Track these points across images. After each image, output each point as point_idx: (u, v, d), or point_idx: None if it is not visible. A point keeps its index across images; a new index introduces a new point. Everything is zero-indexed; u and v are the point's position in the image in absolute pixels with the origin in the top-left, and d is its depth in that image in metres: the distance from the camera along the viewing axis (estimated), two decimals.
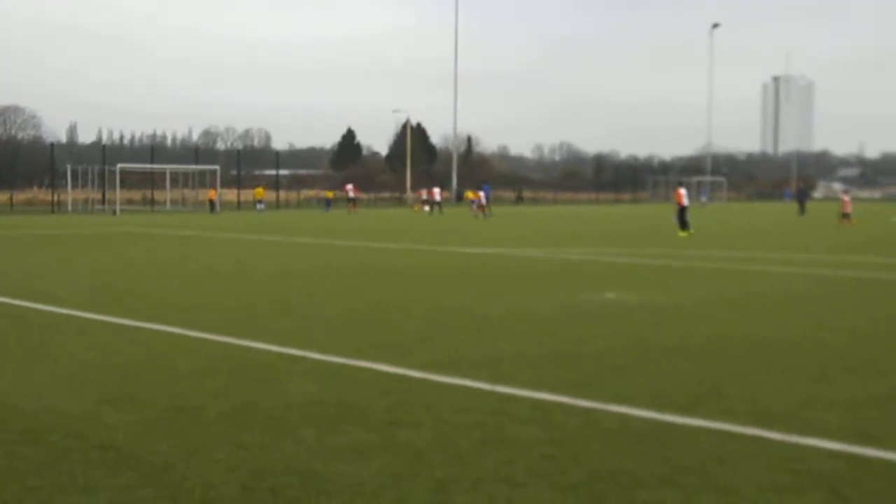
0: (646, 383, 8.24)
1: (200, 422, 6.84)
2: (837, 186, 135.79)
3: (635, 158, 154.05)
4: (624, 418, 6.98)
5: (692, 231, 33.74)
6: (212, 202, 64.23)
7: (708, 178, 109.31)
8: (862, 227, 40.84)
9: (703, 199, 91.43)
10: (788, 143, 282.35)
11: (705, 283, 17.15)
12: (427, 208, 62.25)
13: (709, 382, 8.28)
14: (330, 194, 70.70)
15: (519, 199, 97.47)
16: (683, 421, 6.90)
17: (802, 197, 62.56)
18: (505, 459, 5.95)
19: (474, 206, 56.09)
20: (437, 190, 63.66)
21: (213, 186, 66.38)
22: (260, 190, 66.43)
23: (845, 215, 42.79)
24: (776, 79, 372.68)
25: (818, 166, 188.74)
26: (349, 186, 68.48)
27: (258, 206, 64.39)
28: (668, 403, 7.42)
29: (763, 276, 18.82)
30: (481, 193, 54.92)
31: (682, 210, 34.14)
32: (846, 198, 44.31)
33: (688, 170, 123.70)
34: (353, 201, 65.80)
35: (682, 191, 34.85)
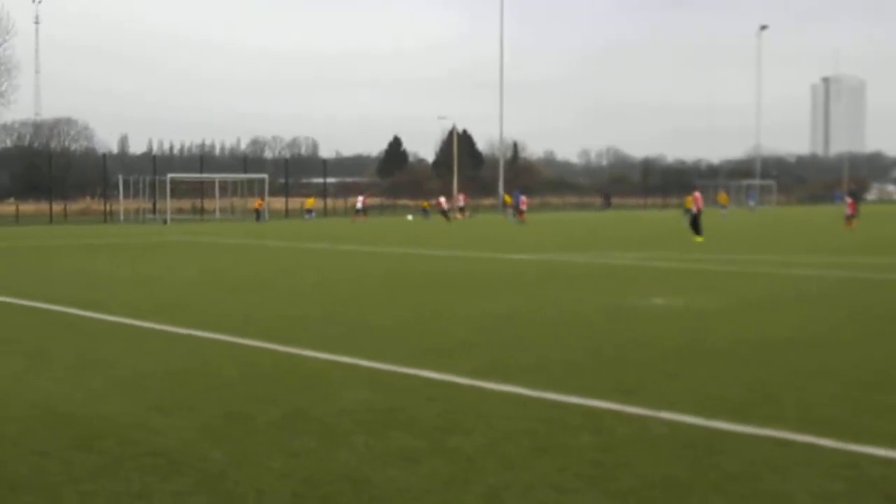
0: (695, 389, 8.18)
1: (251, 429, 6.89)
2: (892, 188, 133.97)
3: (683, 162, 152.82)
4: (674, 425, 6.94)
5: (702, 238, 33.24)
6: (258, 211, 64.39)
7: (757, 182, 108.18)
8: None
9: (752, 203, 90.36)
10: (839, 145, 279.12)
11: (754, 287, 16.99)
12: (459, 216, 61.81)
13: (759, 388, 8.21)
14: (426, 204, 67.96)
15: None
16: (734, 427, 6.84)
17: (854, 199, 61.65)
18: (556, 466, 5.94)
19: (510, 212, 56.34)
20: (443, 199, 62.99)
21: (260, 195, 66.74)
22: (311, 200, 66.39)
23: (849, 217, 41.89)
24: (825, 79, 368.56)
25: (871, 168, 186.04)
26: (455, 196, 67.40)
27: (307, 214, 64.23)
28: (718, 409, 7.36)
29: (814, 279, 18.61)
30: (522, 198, 54.80)
31: (696, 215, 33.65)
32: (850, 200, 43.88)
33: (736, 173, 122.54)
34: (461, 210, 65.33)
35: (698, 194, 34.36)
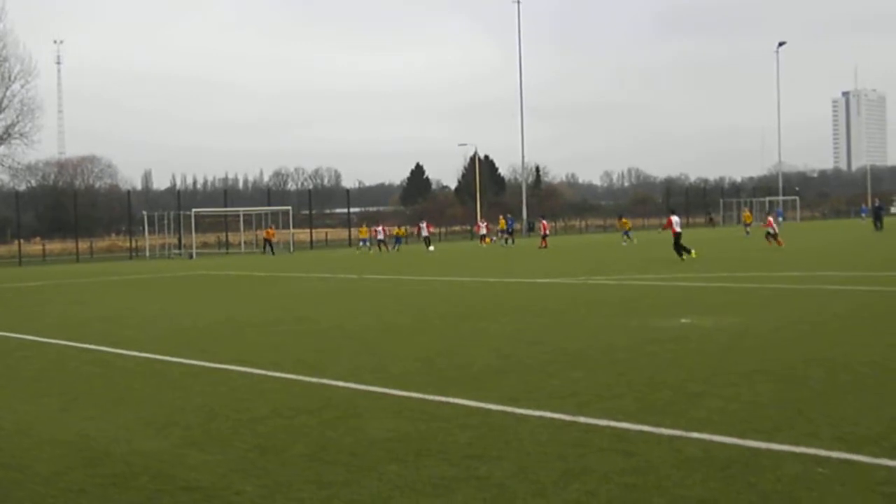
0: (726, 408, 8.15)
1: (283, 461, 6.92)
2: None
3: (705, 181, 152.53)
4: (706, 445, 6.92)
5: (694, 253, 33.34)
6: (269, 242, 61.31)
7: (780, 198, 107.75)
8: None
9: (779, 219, 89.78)
10: (862, 159, 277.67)
11: (780, 304, 16.92)
12: (487, 242, 60.62)
13: (791, 405, 8.17)
14: (501, 223, 66.03)
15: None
16: (767, 446, 6.81)
17: (879, 213, 61.24)
18: (588, 490, 5.93)
19: (501, 236, 56.54)
20: (423, 224, 62.08)
21: (270, 225, 66.06)
22: (363, 230, 63.39)
23: (770, 235, 40.98)
24: (846, 94, 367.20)
25: (893, 181, 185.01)
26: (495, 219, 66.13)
27: (361, 243, 61.44)
28: (750, 428, 7.33)
29: (839, 294, 18.51)
30: (543, 223, 54.89)
31: (677, 237, 33.60)
32: (770, 218, 42.94)
33: (759, 190, 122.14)
34: (509, 234, 63.38)
35: (675, 218, 34.26)
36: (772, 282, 22.06)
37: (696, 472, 6.24)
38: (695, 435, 7.20)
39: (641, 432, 7.38)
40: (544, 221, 55.20)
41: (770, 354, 11.11)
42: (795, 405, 8.19)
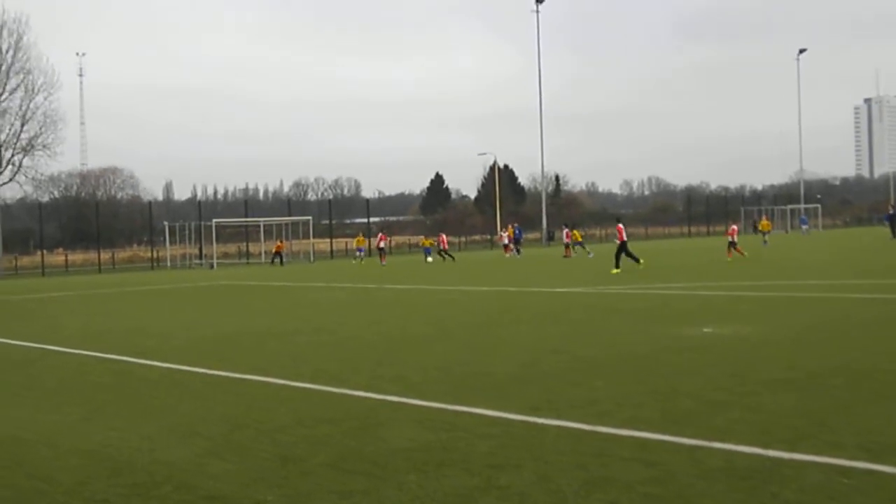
0: (748, 418, 8.12)
1: (305, 470, 6.94)
2: None
3: (726, 189, 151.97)
4: (728, 455, 6.89)
5: (642, 263, 34.03)
6: (279, 254, 60.99)
7: (801, 206, 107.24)
8: None
9: (805, 227, 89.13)
10: (884, 166, 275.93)
11: (802, 313, 16.83)
12: (509, 253, 58.82)
13: (813, 415, 8.13)
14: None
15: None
16: (790, 456, 6.78)
17: (895, 220, 59.99)
18: (609, 500, 5.92)
19: (512, 247, 56.24)
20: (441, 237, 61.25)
21: (280, 238, 66.05)
22: (360, 238, 63.61)
23: (732, 244, 40.25)
24: (868, 101, 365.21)
25: None
26: (510, 229, 65.13)
27: (357, 252, 61.48)
28: (773, 438, 7.30)
29: (861, 303, 18.40)
30: (566, 231, 54.68)
31: (622, 244, 34.17)
32: (734, 226, 42.15)
33: (780, 198, 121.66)
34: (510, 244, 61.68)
35: (622, 227, 34.97)
36: (792, 290, 21.96)
37: (719, 482, 6.21)
38: (717, 444, 7.17)
39: (663, 442, 7.36)
40: (567, 230, 54.97)
41: (792, 363, 11.06)
42: (818, 414, 8.15)
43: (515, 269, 39.55)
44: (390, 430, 8.20)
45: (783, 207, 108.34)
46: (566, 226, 56.70)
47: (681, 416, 8.29)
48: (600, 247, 72.55)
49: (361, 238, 61.69)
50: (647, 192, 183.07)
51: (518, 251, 57.44)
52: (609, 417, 8.32)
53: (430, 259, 53.77)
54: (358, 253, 59.57)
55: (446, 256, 54.11)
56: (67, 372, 13.14)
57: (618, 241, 34.52)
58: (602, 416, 8.41)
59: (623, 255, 34.23)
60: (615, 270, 33.23)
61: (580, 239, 56.47)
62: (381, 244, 56.40)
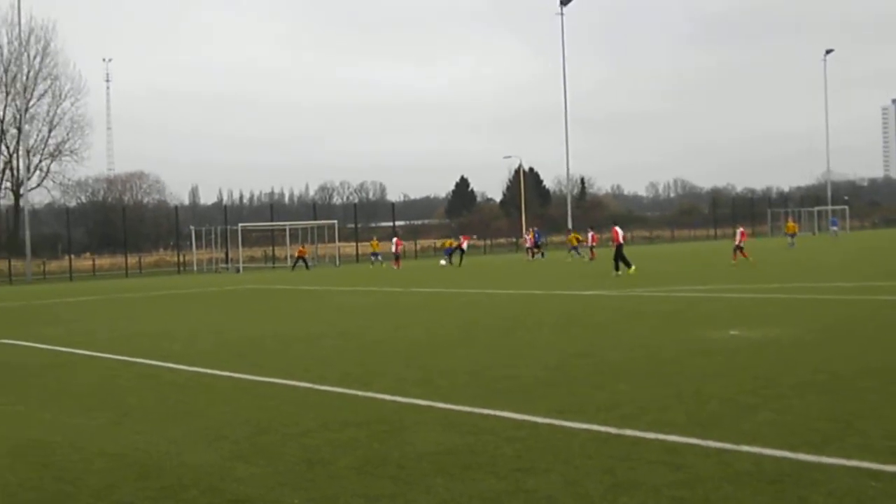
0: (776, 421, 8.07)
1: (331, 474, 6.94)
2: None
3: (752, 191, 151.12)
4: (756, 458, 6.85)
5: (633, 269, 33.67)
6: (302, 259, 60.64)
7: (828, 208, 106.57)
8: None
9: (834, 228, 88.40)
10: None
11: (830, 315, 16.72)
12: (530, 256, 57.91)
13: (842, 418, 8.07)
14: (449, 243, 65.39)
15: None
16: (818, 459, 6.73)
17: None
18: (636, 503, 5.89)
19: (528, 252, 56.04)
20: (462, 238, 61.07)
21: (303, 243, 66.07)
22: (375, 242, 63.63)
23: (738, 248, 39.48)
24: (895, 101, 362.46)
25: None
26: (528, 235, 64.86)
27: (372, 257, 61.79)
28: (801, 441, 7.25)
29: (890, 305, 18.26)
30: (591, 234, 54.46)
31: (619, 247, 34.17)
32: (740, 230, 41.09)
33: (807, 199, 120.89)
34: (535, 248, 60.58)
35: (619, 230, 35.04)
36: (820, 292, 21.81)
37: (746, 485, 6.17)
38: (744, 448, 7.13)
39: (690, 445, 7.32)
40: (592, 233, 54.78)
41: (820, 366, 10.98)
42: (847, 417, 8.09)
43: (539, 272, 39.49)
44: (416, 434, 8.20)
45: (810, 209, 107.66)
46: (591, 229, 56.50)
47: (708, 419, 8.24)
48: (626, 249, 72.27)
49: (376, 242, 61.44)
50: (672, 195, 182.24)
51: (542, 254, 57.33)
52: (635, 420, 8.29)
53: (443, 263, 53.47)
54: (372, 258, 59.31)
55: (459, 258, 53.99)
56: (95, 376, 13.22)
57: (614, 244, 34.56)
58: (628, 419, 8.38)
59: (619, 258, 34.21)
60: (631, 270, 33.29)
61: (576, 243, 56.34)
62: (396, 249, 56.16)
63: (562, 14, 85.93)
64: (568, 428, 8.18)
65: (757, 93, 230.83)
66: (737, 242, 40.05)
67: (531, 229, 62.68)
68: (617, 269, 33.71)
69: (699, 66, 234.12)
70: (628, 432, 7.86)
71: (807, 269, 32.10)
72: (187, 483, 6.87)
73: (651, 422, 8.22)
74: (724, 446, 7.22)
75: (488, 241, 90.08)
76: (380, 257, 58.74)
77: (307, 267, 59.40)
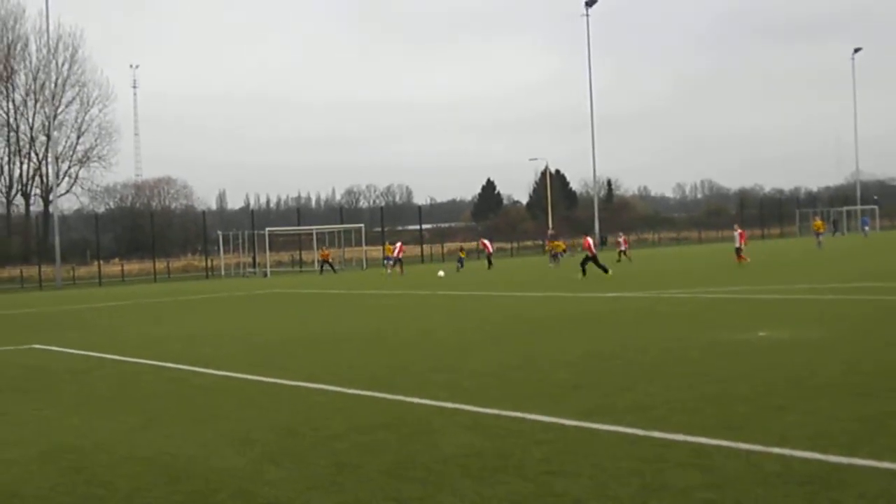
0: (806, 423, 8.02)
1: (360, 477, 6.96)
2: None
3: (780, 191, 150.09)
4: (786, 460, 6.81)
5: (610, 273, 34.76)
6: (327, 262, 60.01)
7: (857, 207, 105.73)
8: None
9: (867, 228, 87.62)
10: None
11: (859, 316, 16.60)
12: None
13: (872, 419, 8.01)
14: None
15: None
16: (849, 461, 6.68)
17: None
18: None
19: (555, 258, 55.22)
20: (486, 242, 59.82)
21: (326, 246, 65.99)
22: (389, 247, 61.99)
23: (738, 250, 39.31)
24: None
25: None
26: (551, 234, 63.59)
27: (386, 261, 59.96)
28: (832, 443, 7.20)
29: None
30: (622, 237, 54.28)
31: (589, 256, 35.59)
32: (738, 231, 40.58)
33: (836, 200, 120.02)
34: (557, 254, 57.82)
35: (590, 239, 36.77)
36: (850, 293, 21.66)
37: (776, 488, 6.14)
38: (774, 450, 7.09)
39: (719, 447, 7.29)
40: (623, 237, 54.55)
41: (850, 367, 10.91)
42: (878, 419, 8.02)
43: (565, 274, 39.40)
44: (445, 437, 8.20)
45: (839, 209, 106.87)
46: (622, 233, 56.28)
47: (737, 421, 8.20)
48: (652, 251, 72.09)
49: (389, 246, 60.67)
50: (699, 196, 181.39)
51: (558, 259, 56.78)
52: (664, 422, 8.26)
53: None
54: (386, 262, 58.18)
55: (489, 263, 53.93)
56: (124, 380, 13.30)
57: (585, 251, 35.98)
58: (657, 421, 8.35)
59: (591, 264, 35.48)
60: (609, 273, 34.50)
61: (563, 248, 56.11)
62: (399, 254, 55.23)
63: (587, 15, 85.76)
64: (596, 430, 8.16)
65: (786, 92, 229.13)
66: (737, 244, 39.68)
67: (550, 234, 62.50)
68: (605, 270, 34.89)
69: (725, 65, 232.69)
70: (657, 434, 7.83)
71: (835, 270, 31.86)
72: (216, 487, 6.90)
73: (679, 423, 8.19)
74: (753, 448, 7.18)
75: (514, 244, 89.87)
76: (391, 261, 57.14)
77: (334, 270, 59.29)
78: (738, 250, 39.30)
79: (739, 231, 40.61)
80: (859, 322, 15.75)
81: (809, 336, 14.01)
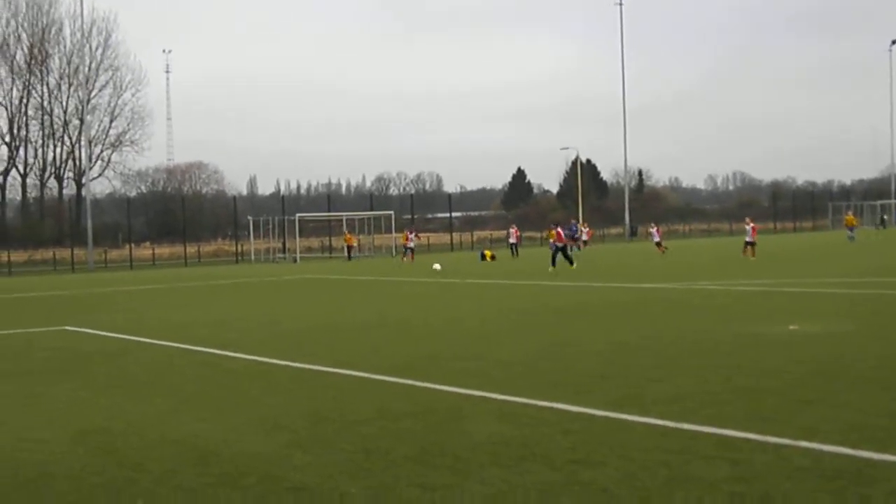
0: (836, 417, 7.97)
1: (388, 463, 6.99)
2: None
3: (813, 184, 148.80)
4: (815, 454, 6.78)
5: (575, 266, 35.15)
6: (350, 247, 61.16)
7: (892, 201, 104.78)
8: None
9: None
10: None
11: (892, 310, 16.46)
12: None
13: None
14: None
15: (881, 224, 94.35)
16: (881, 456, 6.64)
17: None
18: (693, 498, 5.86)
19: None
20: (511, 230, 60.57)
21: (349, 231, 65.95)
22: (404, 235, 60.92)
23: (748, 244, 38.34)
24: None
25: None
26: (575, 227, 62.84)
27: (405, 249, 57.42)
28: (862, 438, 7.16)
29: None
30: (656, 228, 53.90)
31: (563, 248, 35.84)
32: (751, 225, 39.20)
33: (870, 193, 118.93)
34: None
35: (560, 230, 36.92)
36: (883, 287, 21.49)
37: (805, 482, 6.11)
38: (803, 444, 7.05)
39: (748, 440, 7.26)
40: (657, 228, 54.17)
41: (883, 362, 10.83)
42: None
43: (595, 265, 39.32)
44: (473, 424, 8.22)
45: (872, 203, 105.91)
46: (655, 224, 55.91)
47: (766, 414, 8.17)
48: (684, 242, 71.76)
49: (407, 235, 60.09)
50: (731, 188, 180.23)
51: (578, 248, 56.30)
52: (693, 414, 8.24)
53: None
54: (405, 250, 57.33)
55: (514, 253, 53.98)
56: (155, 363, 13.41)
57: (557, 243, 35.84)
58: (686, 412, 8.32)
59: (561, 256, 35.52)
60: (573, 266, 34.87)
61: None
62: (411, 242, 55.03)
63: (620, 4, 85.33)
64: (624, 421, 8.16)
65: (821, 85, 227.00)
66: (748, 238, 38.91)
67: (571, 222, 61.99)
68: (571, 263, 35.32)
69: (758, 56, 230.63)
70: (685, 426, 7.81)
71: (865, 264, 31.61)
72: (245, 470, 6.95)
73: (708, 416, 8.16)
74: (782, 441, 7.15)
75: (544, 233, 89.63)
76: (406, 250, 56.12)
77: (348, 258, 59.22)
78: (750, 244, 38.60)
79: (752, 225, 39.64)
80: (893, 317, 15.63)
81: (841, 330, 13.92)
